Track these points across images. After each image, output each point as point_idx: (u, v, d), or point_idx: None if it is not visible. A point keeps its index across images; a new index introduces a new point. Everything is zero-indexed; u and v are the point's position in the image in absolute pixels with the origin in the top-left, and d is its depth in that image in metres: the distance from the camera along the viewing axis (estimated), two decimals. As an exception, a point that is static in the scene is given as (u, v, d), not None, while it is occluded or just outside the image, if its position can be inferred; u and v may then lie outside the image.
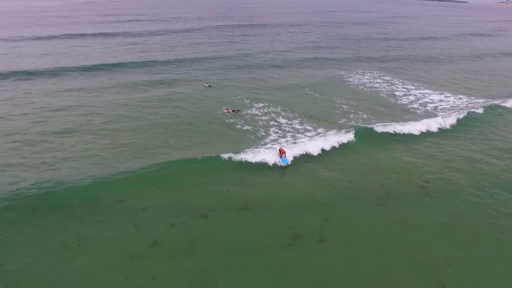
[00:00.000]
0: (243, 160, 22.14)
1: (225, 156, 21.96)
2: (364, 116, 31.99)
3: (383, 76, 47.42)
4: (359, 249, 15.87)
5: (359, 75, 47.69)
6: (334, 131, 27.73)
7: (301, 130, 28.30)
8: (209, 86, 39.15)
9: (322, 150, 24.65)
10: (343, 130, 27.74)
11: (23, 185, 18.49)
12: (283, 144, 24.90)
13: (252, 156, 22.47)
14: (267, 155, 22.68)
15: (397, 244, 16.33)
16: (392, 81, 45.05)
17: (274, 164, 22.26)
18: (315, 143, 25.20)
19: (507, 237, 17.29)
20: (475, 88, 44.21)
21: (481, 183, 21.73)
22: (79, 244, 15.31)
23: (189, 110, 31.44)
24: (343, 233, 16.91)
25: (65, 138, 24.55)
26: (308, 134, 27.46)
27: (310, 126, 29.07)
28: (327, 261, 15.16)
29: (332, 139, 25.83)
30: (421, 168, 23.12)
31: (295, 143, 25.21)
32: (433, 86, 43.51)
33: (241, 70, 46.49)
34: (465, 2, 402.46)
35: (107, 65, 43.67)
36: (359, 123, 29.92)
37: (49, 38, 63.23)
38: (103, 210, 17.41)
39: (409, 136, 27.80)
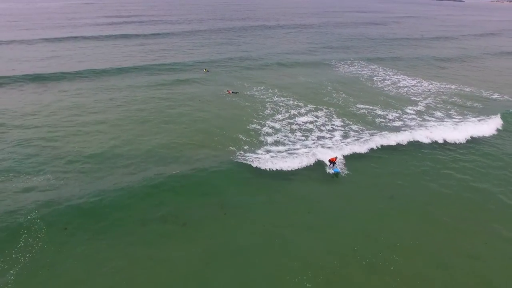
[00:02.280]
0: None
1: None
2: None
3: (371, 66, 54.08)
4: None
5: (347, 65, 54.35)
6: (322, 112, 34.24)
7: (293, 106, 34.76)
8: (207, 70, 46.83)
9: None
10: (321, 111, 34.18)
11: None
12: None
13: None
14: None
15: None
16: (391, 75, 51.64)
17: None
18: (303, 119, 31.65)
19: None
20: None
21: None
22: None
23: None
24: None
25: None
26: (300, 110, 33.90)
27: (300, 102, 35.60)
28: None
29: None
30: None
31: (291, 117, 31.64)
32: (408, 72, 50.17)
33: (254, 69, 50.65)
34: (461, 1, 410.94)
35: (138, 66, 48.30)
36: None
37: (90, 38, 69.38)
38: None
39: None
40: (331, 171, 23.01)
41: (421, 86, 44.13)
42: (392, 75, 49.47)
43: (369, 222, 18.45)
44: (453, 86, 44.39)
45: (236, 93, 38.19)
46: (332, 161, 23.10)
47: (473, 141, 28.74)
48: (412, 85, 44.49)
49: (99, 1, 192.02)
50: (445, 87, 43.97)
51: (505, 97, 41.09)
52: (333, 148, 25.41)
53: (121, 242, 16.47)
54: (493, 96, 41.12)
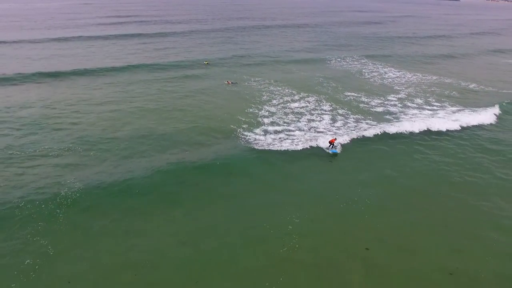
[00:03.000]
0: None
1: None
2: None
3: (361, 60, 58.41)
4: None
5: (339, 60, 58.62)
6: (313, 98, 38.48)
7: (287, 94, 38.95)
8: (207, 63, 51.41)
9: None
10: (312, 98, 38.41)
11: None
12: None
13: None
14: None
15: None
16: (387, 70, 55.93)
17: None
18: (295, 104, 35.83)
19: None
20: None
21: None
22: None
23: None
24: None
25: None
26: (294, 97, 38.10)
27: (292, 90, 39.80)
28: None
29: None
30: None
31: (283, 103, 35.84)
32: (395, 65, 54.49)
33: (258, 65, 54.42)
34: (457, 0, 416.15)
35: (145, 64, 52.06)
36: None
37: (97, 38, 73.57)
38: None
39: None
40: (330, 151, 25.86)
41: (404, 77, 48.61)
42: (381, 68, 53.84)
43: (353, 190, 22.01)
44: (434, 77, 48.80)
45: (235, 83, 42.41)
46: (331, 142, 26.17)
47: (456, 129, 32.61)
48: (397, 77, 48.94)
49: (96, 1, 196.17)
50: (426, 78, 48.36)
51: (481, 87, 45.48)
52: (325, 132, 29.48)
53: (146, 203, 20.08)
54: (470, 86, 45.51)
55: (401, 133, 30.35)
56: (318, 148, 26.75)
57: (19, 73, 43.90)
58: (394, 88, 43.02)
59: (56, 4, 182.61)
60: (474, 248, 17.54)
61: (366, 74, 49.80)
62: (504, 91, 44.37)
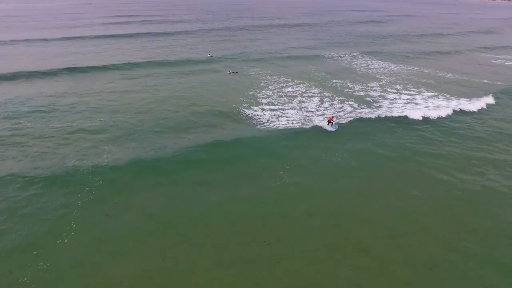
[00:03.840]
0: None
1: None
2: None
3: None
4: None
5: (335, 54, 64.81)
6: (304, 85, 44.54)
7: (282, 81, 45.02)
8: (211, 56, 57.24)
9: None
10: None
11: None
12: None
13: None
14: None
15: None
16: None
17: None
18: (289, 89, 41.87)
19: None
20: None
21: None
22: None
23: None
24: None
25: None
26: (288, 84, 44.18)
27: (286, 79, 45.91)
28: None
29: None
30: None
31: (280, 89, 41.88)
32: (383, 58, 60.70)
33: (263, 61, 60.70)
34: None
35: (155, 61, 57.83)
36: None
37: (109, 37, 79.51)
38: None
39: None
40: (331, 128, 30.65)
41: (388, 68, 54.89)
42: (369, 60, 60.10)
43: (339, 155, 28.20)
44: (415, 68, 55.07)
45: (236, 73, 48.52)
46: (330, 121, 31.06)
47: (435, 115, 38.92)
48: (381, 67, 55.26)
49: (95, 1, 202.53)
50: (407, 69, 54.62)
51: (456, 76, 51.73)
52: (314, 111, 35.58)
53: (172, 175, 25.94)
54: (447, 76, 51.71)
55: (378, 115, 36.37)
56: (311, 124, 32.66)
57: (43, 69, 49.74)
58: (377, 76, 49.25)
59: (56, 4, 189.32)
60: (410, 206, 23.50)
61: (354, 65, 56.10)
62: (475, 79, 50.60)
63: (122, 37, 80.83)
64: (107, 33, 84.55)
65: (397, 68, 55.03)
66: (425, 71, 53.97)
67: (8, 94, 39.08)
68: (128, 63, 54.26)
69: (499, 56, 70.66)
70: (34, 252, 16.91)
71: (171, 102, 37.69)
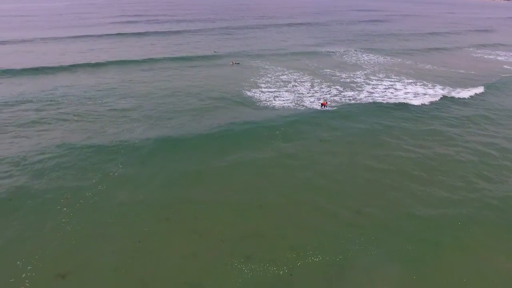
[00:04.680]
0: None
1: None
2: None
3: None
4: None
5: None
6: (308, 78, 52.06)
7: (279, 70, 52.48)
8: (215, 52, 64.23)
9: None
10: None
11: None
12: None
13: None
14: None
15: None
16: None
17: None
18: (284, 77, 49.34)
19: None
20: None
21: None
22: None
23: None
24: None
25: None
26: (284, 72, 51.64)
27: (282, 68, 53.42)
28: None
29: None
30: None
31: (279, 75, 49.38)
32: (373, 50, 68.16)
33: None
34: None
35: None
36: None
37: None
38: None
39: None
40: (321, 108, 38.74)
41: (375, 60, 62.27)
42: (360, 54, 67.61)
43: (324, 129, 35.67)
44: (399, 60, 62.52)
45: (238, 63, 56.11)
46: (324, 105, 39.03)
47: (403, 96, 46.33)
48: (369, 59, 62.65)
49: (99, 1, 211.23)
50: (391, 60, 62.03)
51: (434, 67, 59.14)
52: (304, 94, 43.05)
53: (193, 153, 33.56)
54: (426, 67, 59.20)
55: (359, 98, 43.86)
56: (302, 103, 40.18)
57: (65, 64, 57.50)
58: (363, 67, 56.78)
59: (60, 4, 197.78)
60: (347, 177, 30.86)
61: (345, 58, 63.81)
62: (452, 70, 58.02)
63: (131, 35, 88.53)
64: (117, 31, 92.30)
65: (383, 60, 62.59)
66: (407, 62, 61.53)
67: (51, 83, 46.85)
68: (144, 58, 61.93)
69: (478, 51, 78.07)
70: (93, 181, 24.48)
71: (184, 89, 45.23)
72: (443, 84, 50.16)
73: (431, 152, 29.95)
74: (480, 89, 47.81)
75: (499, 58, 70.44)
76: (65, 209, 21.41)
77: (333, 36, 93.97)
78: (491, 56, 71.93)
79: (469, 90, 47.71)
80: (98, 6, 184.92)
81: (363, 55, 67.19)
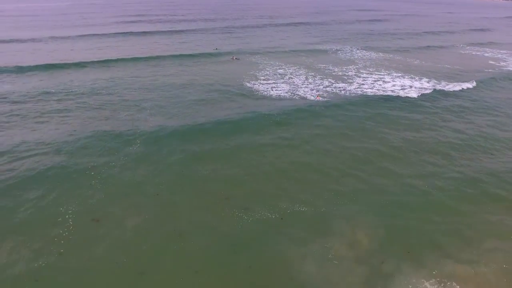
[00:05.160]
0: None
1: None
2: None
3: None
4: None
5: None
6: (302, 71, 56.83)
7: (276, 65, 57.17)
8: (216, 49, 69.00)
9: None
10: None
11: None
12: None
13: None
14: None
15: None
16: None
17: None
18: (281, 70, 54.06)
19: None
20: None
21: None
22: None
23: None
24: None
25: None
26: (281, 66, 56.35)
27: (279, 62, 58.11)
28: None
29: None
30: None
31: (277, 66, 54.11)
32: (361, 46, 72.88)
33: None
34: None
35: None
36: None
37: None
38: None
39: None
40: (315, 99, 44.18)
41: (368, 56, 66.99)
42: (354, 50, 72.35)
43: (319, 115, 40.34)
44: (390, 55, 67.22)
45: (238, 59, 60.86)
46: (317, 98, 44.29)
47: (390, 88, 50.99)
48: (363, 55, 67.38)
49: (101, 1, 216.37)
50: (382, 56, 66.74)
51: (423, 62, 63.84)
52: (299, 85, 47.74)
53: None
54: (415, 62, 63.90)
55: (350, 89, 48.52)
56: (297, 93, 44.87)
57: (76, 61, 62.23)
58: (356, 62, 61.47)
59: (62, 4, 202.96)
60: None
61: (340, 54, 68.45)
62: (439, 65, 62.74)
63: (135, 34, 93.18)
64: (121, 31, 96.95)
65: (376, 56, 67.37)
66: (396, 58, 66.29)
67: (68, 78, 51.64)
68: (150, 56, 66.61)
69: (468, 47, 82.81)
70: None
71: (189, 82, 49.76)
72: (429, 77, 54.81)
73: (408, 134, 34.56)
74: (464, 83, 52.44)
75: (486, 54, 75.18)
76: (93, 173, 26.08)
77: (330, 35, 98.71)
78: (478, 53, 76.65)
79: (452, 83, 52.31)
80: (99, 6, 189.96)
81: (357, 52, 71.87)
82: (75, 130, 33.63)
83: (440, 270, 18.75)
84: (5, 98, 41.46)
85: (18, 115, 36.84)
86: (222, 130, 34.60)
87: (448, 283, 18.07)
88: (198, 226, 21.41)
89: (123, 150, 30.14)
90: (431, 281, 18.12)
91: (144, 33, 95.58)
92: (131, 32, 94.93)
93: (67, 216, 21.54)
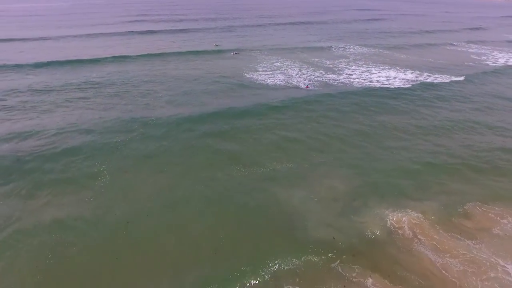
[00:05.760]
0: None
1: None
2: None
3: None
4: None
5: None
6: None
7: (273, 59, 63.64)
8: (217, 45, 75.57)
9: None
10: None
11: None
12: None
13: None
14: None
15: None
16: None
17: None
18: (277, 64, 60.62)
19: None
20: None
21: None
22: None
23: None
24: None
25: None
26: (278, 60, 62.85)
27: (276, 56, 64.60)
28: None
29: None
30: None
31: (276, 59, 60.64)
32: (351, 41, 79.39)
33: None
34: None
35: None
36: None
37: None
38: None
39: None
40: (306, 88, 50.68)
41: (360, 51, 73.49)
42: (348, 47, 78.88)
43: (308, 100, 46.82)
44: (379, 50, 73.77)
45: (237, 53, 67.45)
46: (307, 87, 50.88)
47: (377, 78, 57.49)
48: (355, 50, 73.96)
49: (102, 1, 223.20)
50: (372, 51, 73.26)
51: (408, 57, 70.35)
52: (293, 75, 54.23)
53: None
54: (401, 57, 70.42)
55: (341, 78, 54.97)
56: (291, 82, 51.32)
57: (91, 57, 68.74)
58: (347, 56, 68.01)
59: (64, 4, 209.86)
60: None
61: (333, 49, 75.00)
62: (423, 59, 69.27)
63: (140, 33, 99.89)
64: (126, 30, 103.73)
65: (367, 51, 73.99)
66: (385, 52, 72.88)
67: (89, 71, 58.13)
68: (157, 53, 73.14)
69: (455, 43, 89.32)
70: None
71: (195, 75, 56.43)
72: (413, 70, 61.26)
73: (385, 117, 40.94)
74: (443, 75, 58.90)
75: (470, 50, 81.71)
76: (118, 141, 32.54)
77: (327, 33, 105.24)
78: (464, 49, 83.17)
79: (434, 75, 58.79)
80: (101, 6, 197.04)
81: (350, 48, 78.39)
82: (100, 113, 40.12)
83: (397, 204, 25.19)
84: (33, 89, 47.87)
85: (52, 102, 43.14)
86: (226, 114, 40.97)
87: (403, 210, 24.52)
88: (210, 179, 27.82)
89: (143, 128, 36.66)
90: (389, 209, 24.57)
91: (149, 31, 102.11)
92: (137, 31, 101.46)
93: (102, 169, 28.09)
